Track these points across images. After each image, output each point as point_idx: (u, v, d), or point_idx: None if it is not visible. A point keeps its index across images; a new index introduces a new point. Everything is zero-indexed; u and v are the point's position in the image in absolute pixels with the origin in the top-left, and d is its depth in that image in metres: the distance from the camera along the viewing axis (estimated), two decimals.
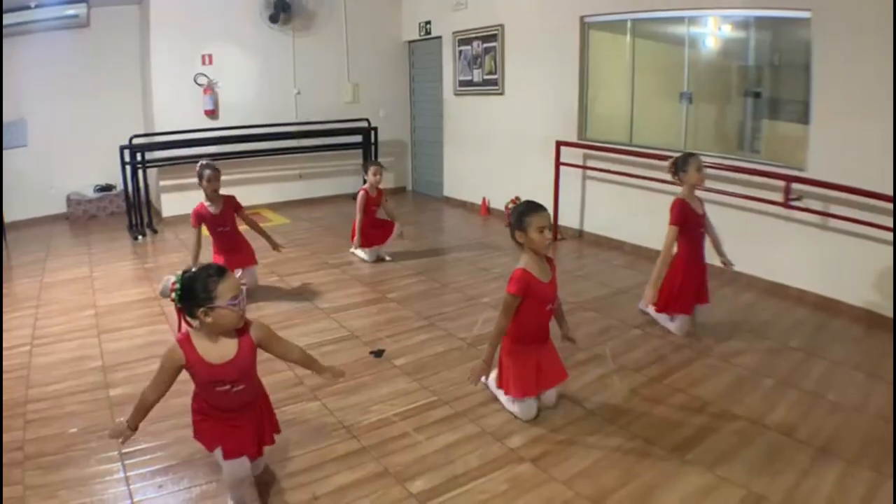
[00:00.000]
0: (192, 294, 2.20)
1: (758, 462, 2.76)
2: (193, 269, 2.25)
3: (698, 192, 4.22)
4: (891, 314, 4.30)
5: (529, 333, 3.14)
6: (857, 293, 4.56)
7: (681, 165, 4.07)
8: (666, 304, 4.21)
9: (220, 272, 2.24)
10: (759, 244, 5.23)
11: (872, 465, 2.72)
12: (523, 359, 3.13)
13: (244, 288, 2.37)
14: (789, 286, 5.03)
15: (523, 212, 3.01)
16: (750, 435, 2.98)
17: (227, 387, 2.33)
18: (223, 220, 5.01)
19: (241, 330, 2.35)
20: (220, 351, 2.31)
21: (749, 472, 2.69)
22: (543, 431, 3.08)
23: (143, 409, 2.40)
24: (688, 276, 4.11)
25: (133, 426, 2.42)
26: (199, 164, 4.98)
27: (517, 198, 3.21)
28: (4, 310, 4.85)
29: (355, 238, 5.96)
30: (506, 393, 3.22)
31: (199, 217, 4.97)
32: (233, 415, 2.41)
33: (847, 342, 4.12)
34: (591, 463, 2.81)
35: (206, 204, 4.97)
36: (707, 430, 3.04)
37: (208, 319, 2.22)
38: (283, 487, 2.66)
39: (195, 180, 4.99)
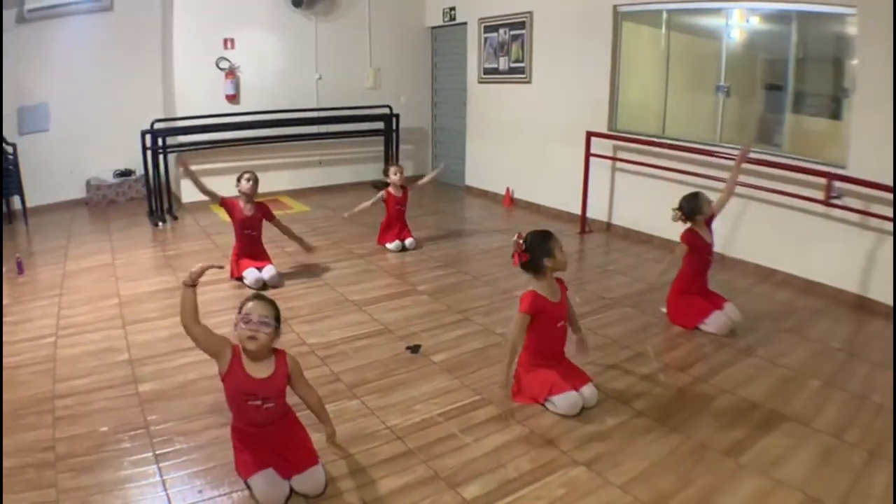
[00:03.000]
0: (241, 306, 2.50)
1: (811, 465, 2.70)
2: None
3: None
4: None
5: (545, 350, 3.23)
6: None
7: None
8: (674, 317, 4.30)
9: (255, 297, 2.52)
10: (796, 241, 5.13)
11: None
12: (543, 371, 3.19)
13: (273, 327, 2.49)
14: (825, 284, 4.91)
15: (543, 240, 3.14)
16: (801, 437, 2.92)
17: (259, 402, 2.47)
18: (253, 223, 5.13)
19: (279, 357, 2.55)
20: (259, 368, 2.49)
21: (804, 474, 2.63)
22: (594, 433, 2.98)
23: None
24: (688, 293, 4.23)
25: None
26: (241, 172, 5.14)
27: (519, 234, 3.20)
28: (29, 298, 4.75)
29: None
30: (524, 401, 3.23)
31: (230, 206, 5.05)
32: (264, 437, 2.52)
33: (885, 344, 4.01)
34: (646, 467, 2.71)
35: (241, 205, 5.07)
36: (759, 432, 2.96)
37: (235, 332, 2.47)
38: (329, 493, 2.53)
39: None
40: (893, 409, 3.11)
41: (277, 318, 2.51)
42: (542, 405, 3.17)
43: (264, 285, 4.93)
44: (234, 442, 2.59)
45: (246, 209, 5.07)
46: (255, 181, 5.09)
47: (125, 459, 2.74)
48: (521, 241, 3.13)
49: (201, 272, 2.52)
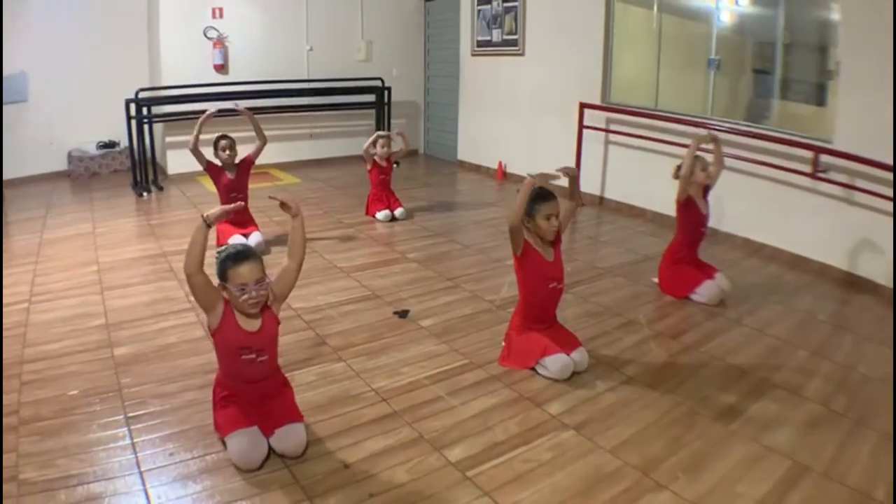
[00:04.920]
0: (219, 269, 2.34)
1: (800, 432, 2.67)
2: (228, 247, 2.39)
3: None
4: None
5: (537, 312, 3.13)
6: (881, 270, 4.35)
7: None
8: (666, 286, 4.22)
9: (236, 258, 2.31)
10: (782, 216, 5.06)
11: None
12: (535, 335, 3.10)
13: (267, 282, 2.40)
14: (812, 259, 4.83)
15: (533, 199, 2.99)
16: (790, 405, 2.88)
17: (253, 355, 2.37)
18: (238, 186, 5.03)
19: (264, 307, 2.41)
20: (249, 321, 2.38)
21: (793, 442, 2.59)
22: (584, 398, 2.91)
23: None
24: (680, 263, 4.15)
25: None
26: (216, 137, 5.01)
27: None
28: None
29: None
30: (513, 366, 3.14)
31: (214, 169, 4.97)
32: (252, 392, 2.43)
33: (871, 318, 3.97)
34: (636, 431, 2.65)
35: (225, 171, 4.99)
36: (748, 398, 2.92)
37: (224, 293, 2.34)
38: (309, 455, 2.41)
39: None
40: (893, 391, 3.01)
41: (264, 269, 2.38)
42: (533, 370, 3.08)
43: None
44: (215, 397, 2.47)
45: (229, 174, 4.98)
46: (233, 146, 4.98)
47: (94, 422, 2.61)
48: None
49: (223, 214, 2.41)
